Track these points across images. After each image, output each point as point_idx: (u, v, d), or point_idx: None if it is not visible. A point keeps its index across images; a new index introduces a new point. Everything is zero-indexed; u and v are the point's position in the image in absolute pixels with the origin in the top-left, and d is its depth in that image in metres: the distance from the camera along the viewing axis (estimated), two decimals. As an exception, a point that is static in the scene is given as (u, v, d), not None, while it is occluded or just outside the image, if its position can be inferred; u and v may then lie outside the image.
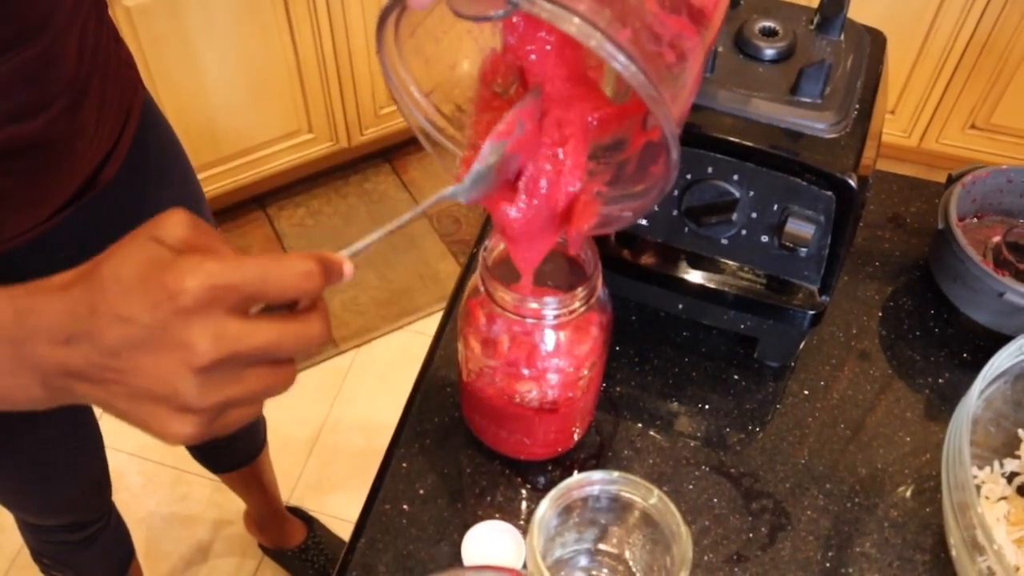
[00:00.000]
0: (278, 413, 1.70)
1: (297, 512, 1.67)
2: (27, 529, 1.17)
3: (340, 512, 1.74)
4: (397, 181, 2.36)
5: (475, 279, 0.66)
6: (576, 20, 0.42)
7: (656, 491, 0.60)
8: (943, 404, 0.82)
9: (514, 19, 0.53)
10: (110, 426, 1.81)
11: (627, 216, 0.57)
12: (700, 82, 0.53)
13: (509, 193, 0.57)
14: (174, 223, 0.42)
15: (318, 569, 1.63)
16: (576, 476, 0.61)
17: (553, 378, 0.67)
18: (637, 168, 0.55)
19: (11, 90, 0.67)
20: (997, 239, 0.88)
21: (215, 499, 1.77)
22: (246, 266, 0.41)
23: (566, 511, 0.63)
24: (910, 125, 2.21)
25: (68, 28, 0.71)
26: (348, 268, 0.45)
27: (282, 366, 0.44)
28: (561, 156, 0.56)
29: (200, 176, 1.05)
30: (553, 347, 0.66)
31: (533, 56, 0.55)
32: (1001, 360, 0.69)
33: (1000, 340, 0.75)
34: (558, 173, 0.56)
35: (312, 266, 0.42)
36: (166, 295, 0.39)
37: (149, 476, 1.81)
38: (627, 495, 0.62)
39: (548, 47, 0.53)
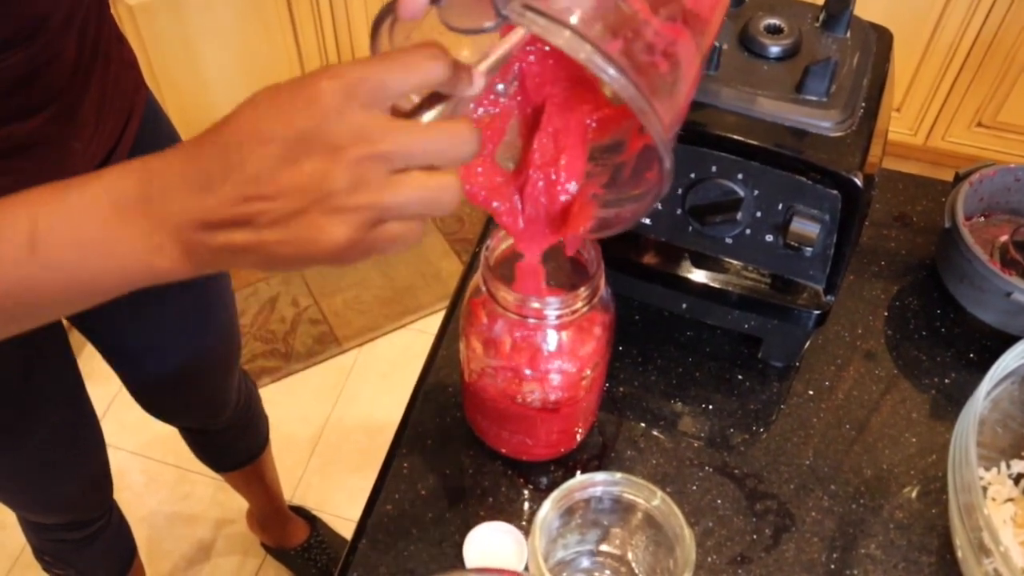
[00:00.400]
0: (280, 411, 1.70)
1: (300, 511, 1.67)
2: (29, 527, 1.17)
3: (343, 511, 1.74)
4: (400, 179, 2.36)
5: (477, 279, 0.66)
6: (567, 33, 0.42)
7: (659, 492, 0.60)
8: (949, 404, 0.81)
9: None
10: (112, 425, 1.82)
11: (623, 219, 0.56)
12: (696, 88, 0.53)
13: (506, 191, 0.57)
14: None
15: (321, 568, 1.62)
16: (578, 477, 0.61)
17: (556, 378, 0.67)
18: (633, 172, 0.55)
19: (9, 89, 0.67)
20: (1005, 238, 0.87)
21: (217, 498, 1.77)
22: (372, 59, 0.40)
23: (568, 512, 0.63)
24: (916, 123, 2.20)
25: (67, 27, 0.71)
26: (479, 77, 0.43)
27: (437, 174, 0.41)
28: (562, 162, 0.55)
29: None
30: (556, 347, 0.66)
31: (532, 58, 0.54)
32: (1008, 360, 0.68)
33: (1007, 340, 0.74)
34: (556, 174, 0.56)
35: (436, 49, 0.41)
36: (299, 104, 0.38)
37: (151, 475, 1.80)
38: (630, 496, 0.61)
39: (547, 48, 0.53)
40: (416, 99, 0.44)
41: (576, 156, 0.56)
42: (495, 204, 0.58)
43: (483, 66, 0.44)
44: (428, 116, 0.43)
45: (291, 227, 0.40)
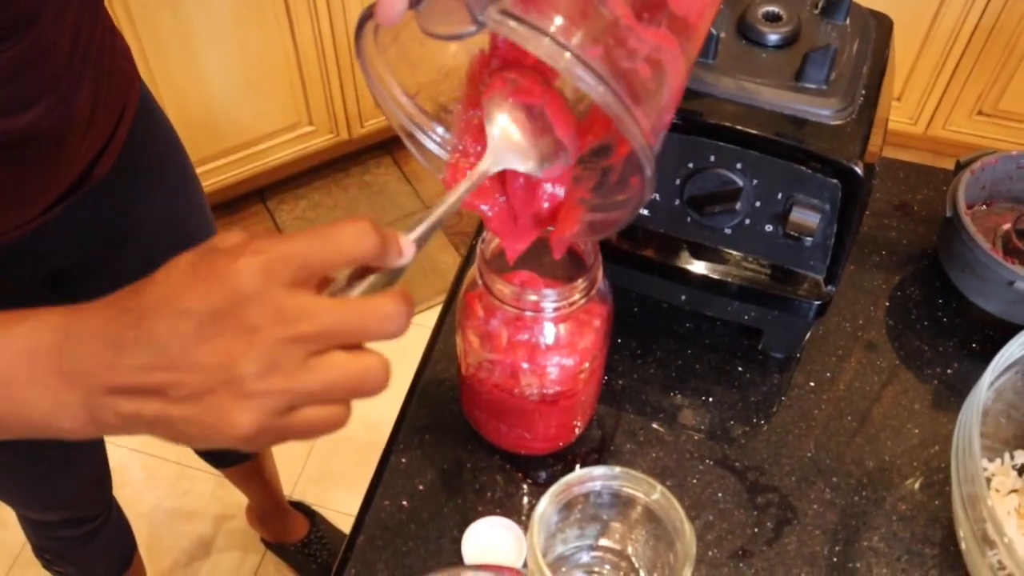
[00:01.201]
0: (280, 407, 1.69)
1: (299, 506, 1.66)
2: (28, 525, 1.17)
3: (343, 506, 1.73)
4: (399, 173, 2.35)
5: (473, 272, 0.65)
6: (545, 41, 0.41)
7: (659, 487, 0.59)
8: (952, 395, 0.81)
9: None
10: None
11: (609, 224, 0.55)
12: (683, 92, 0.52)
13: (491, 191, 0.56)
14: (226, 234, 0.40)
15: (321, 564, 1.62)
16: (577, 472, 0.60)
17: (553, 372, 0.66)
18: (620, 178, 0.54)
19: (3, 82, 0.66)
20: (1007, 226, 0.86)
21: (217, 494, 1.76)
22: (296, 236, 0.38)
23: (567, 507, 0.62)
24: (916, 111, 2.19)
25: (60, 20, 0.70)
26: (408, 248, 0.42)
27: (361, 355, 0.40)
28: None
29: (200, 170, 1.04)
30: (553, 340, 0.65)
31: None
32: (1012, 350, 0.67)
33: (1010, 329, 0.74)
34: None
35: (364, 224, 0.39)
36: (216, 279, 0.37)
37: (151, 471, 1.80)
38: (629, 491, 0.61)
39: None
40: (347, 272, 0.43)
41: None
42: (483, 207, 0.57)
43: (413, 236, 0.44)
44: (358, 290, 0.41)
45: (199, 406, 0.38)
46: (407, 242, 0.43)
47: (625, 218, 0.52)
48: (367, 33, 0.48)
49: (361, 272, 0.43)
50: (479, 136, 0.56)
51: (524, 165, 0.52)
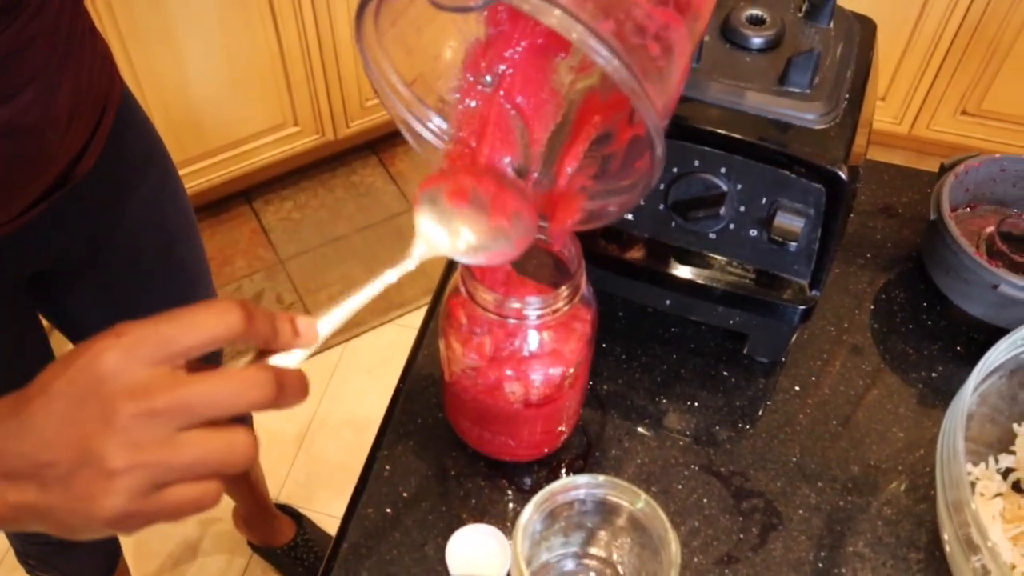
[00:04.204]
0: (265, 410, 1.68)
1: (286, 509, 1.66)
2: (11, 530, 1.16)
3: (330, 509, 1.73)
4: (384, 173, 2.34)
5: (455, 278, 0.65)
6: (557, 12, 0.40)
7: (643, 495, 0.59)
8: (936, 398, 0.81)
9: (499, 8, 0.52)
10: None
11: (611, 211, 0.55)
12: (687, 75, 0.52)
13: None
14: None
15: (307, 567, 1.61)
16: (561, 480, 0.59)
17: (537, 378, 0.66)
18: (623, 163, 0.54)
19: None
20: (990, 229, 0.86)
21: (203, 497, 1.75)
22: (160, 317, 0.39)
23: (551, 516, 0.62)
24: (901, 112, 2.20)
25: (42, 11, 0.70)
26: (308, 329, 0.43)
27: (226, 430, 0.40)
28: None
29: (184, 171, 1.03)
30: (537, 347, 0.65)
31: (520, 46, 0.53)
32: (996, 355, 0.67)
33: (994, 332, 0.74)
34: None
35: (227, 304, 0.40)
36: (81, 362, 0.38)
37: (136, 474, 1.79)
38: (613, 499, 0.60)
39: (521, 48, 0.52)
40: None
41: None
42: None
43: (323, 319, 0.44)
44: (241, 363, 0.41)
45: (69, 491, 0.39)
46: (308, 324, 0.43)
47: (632, 201, 0.52)
48: (367, 18, 0.48)
49: (262, 355, 0.43)
50: (475, 125, 0.55)
51: (454, 252, 0.52)
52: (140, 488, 0.38)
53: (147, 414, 0.38)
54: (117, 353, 0.38)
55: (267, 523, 1.60)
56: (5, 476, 0.40)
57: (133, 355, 0.38)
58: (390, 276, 0.49)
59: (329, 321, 0.45)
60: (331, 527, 1.68)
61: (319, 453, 1.82)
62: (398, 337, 1.99)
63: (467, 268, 0.62)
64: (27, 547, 1.18)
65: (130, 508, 0.39)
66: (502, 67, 0.54)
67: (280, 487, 1.76)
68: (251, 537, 1.65)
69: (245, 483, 1.47)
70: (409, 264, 0.50)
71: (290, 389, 0.42)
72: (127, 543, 1.37)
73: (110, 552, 1.30)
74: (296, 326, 0.43)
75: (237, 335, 0.40)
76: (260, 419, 1.43)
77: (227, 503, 1.59)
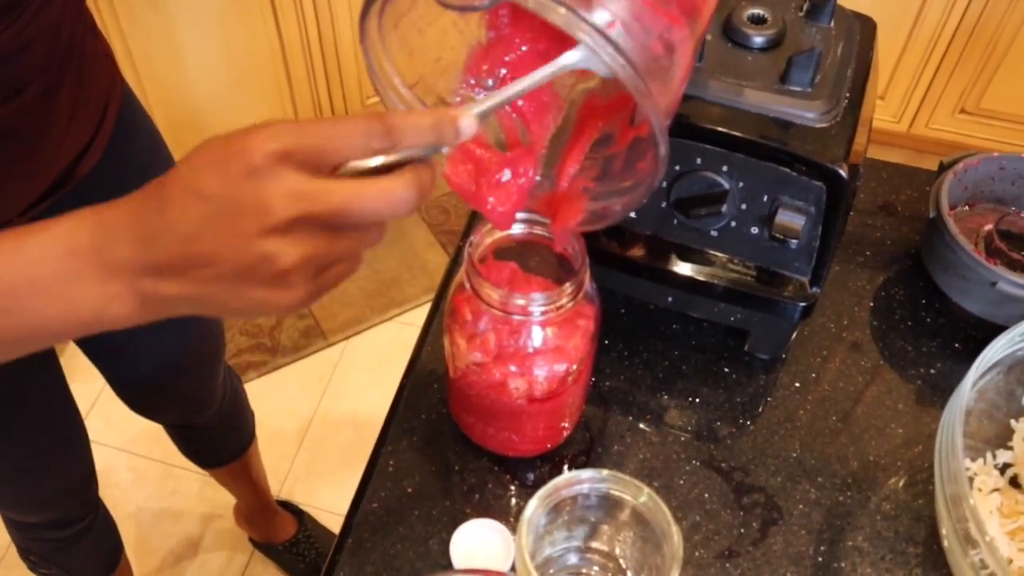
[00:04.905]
0: (267, 406, 1.69)
1: (287, 506, 1.66)
2: (13, 526, 1.16)
3: (331, 505, 1.73)
4: (385, 171, 2.34)
5: (460, 275, 0.65)
6: (562, 11, 0.41)
7: (646, 489, 0.59)
8: (935, 394, 0.81)
9: (500, 12, 0.52)
10: (97, 422, 1.80)
11: (615, 212, 0.56)
12: (690, 75, 0.52)
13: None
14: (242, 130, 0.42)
15: (309, 563, 1.62)
16: (565, 475, 0.60)
17: (541, 374, 0.66)
18: (625, 164, 0.54)
19: None
20: (989, 227, 0.87)
21: (205, 493, 1.76)
22: (311, 122, 0.40)
23: (555, 510, 0.62)
24: (900, 110, 2.20)
25: (42, 14, 0.70)
26: (467, 124, 0.44)
27: (371, 229, 0.43)
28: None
29: (184, 169, 1.03)
30: (541, 343, 0.65)
31: (524, 48, 0.53)
32: (994, 351, 0.68)
33: (992, 329, 0.74)
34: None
35: (378, 116, 0.42)
36: (234, 162, 0.39)
37: (138, 471, 1.79)
38: (617, 493, 0.61)
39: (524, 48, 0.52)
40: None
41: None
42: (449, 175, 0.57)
43: (477, 110, 0.44)
44: (374, 162, 0.42)
45: (241, 289, 0.41)
46: (468, 117, 0.44)
47: (635, 202, 0.53)
48: (371, 19, 0.48)
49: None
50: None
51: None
52: (308, 278, 0.42)
53: (305, 218, 0.39)
54: (272, 157, 0.39)
55: (268, 519, 1.61)
56: (156, 272, 0.41)
57: (289, 159, 0.39)
58: (543, 74, 0.47)
59: (482, 113, 0.45)
60: (332, 523, 1.68)
61: (320, 450, 1.82)
62: (399, 335, 2.00)
63: (472, 265, 0.63)
64: (29, 543, 1.19)
65: (305, 297, 0.42)
66: (503, 71, 0.55)
67: (281, 484, 1.77)
68: (252, 533, 1.66)
69: (246, 480, 1.48)
70: (559, 67, 0.47)
71: (428, 190, 0.43)
72: (128, 540, 1.37)
73: (112, 549, 1.31)
74: (458, 125, 0.44)
75: (384, 147, 0.42)
76: (261, 415, 1.44)
77: (228, 499, 1.60)
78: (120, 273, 0.42)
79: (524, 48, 0.53)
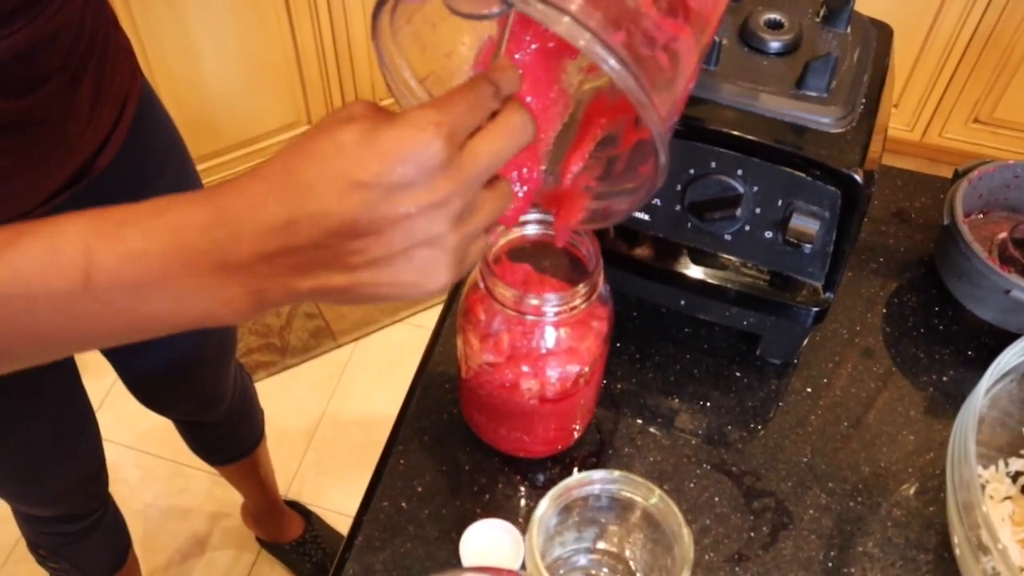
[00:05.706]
0: (276, 406, 1.70)
1: (295, 506, 1.67)
2: (23, 520, 1.17)
3: (338, 506, 1.74)
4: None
5: (474, 275, 0.65)
6: (566, 20, 0.41)
7: (657, 491, 0.59)
8: (947, 402, 0.81)
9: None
10: (107, 418, 1.81)
11: (617, 212, 0.56)
12: (693, 85, 0.52)
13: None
14: (355, 104, 0.41)
15: (315, 563, 1.62)
16: (576, 475, 0.60)
17: (553, 375, 0.66)
18: (627, 166, 0.54)
19: (7, 64, 0.67)
20: (1003, 235, 0.87)
21: (213, 492, 1.76)
22: (453, 100, 0.41)
23: (566, 510, 0.62)
24: (913, 119, 2.20)
25: (65, 8, 0.71)
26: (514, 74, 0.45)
27: (498, 183, 0.44)
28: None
29: (198, 167, 1.04)
30: (553, 344, 0.65)
31: (533, 46, 0.54)
32: (1008, 358, 0.68)
33: (1005, 337, 0.74)
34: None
35: (485, 77, 0.43)
36: (401, 149, 0.38)
37: (147, 468, 1.80)
38: (628, 494, 0.61)
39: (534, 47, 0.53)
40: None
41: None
42: None
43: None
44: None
45: (395, 271, 0.40)
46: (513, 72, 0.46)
47: (635, 204, 0.53)
48: (384, 14, 0.49)
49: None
50: None
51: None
52: (460, 258, 0.42)
53: (465, 189, 0.40)
54: (440, 143, 0.39)
55: (276, 519, 1.61)
56: (293, 271, 0.40)
57: (451, 139, 0.40)
58: None
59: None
60: (340, 524, 1.69)
61: (329, 451, 1.83)
62: (409, 336, 2.00)
63: (487, 265, 0.63)
64: (38, 537, 1.19)
65: (455, 276, 0.42)
66: None
67: (289, 484, 1.77)
68: (260, 533, 1.66)
69: (255, 479, 1.48)
70: None
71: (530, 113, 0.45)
72: (136, 536, 1.38)
73: (120, 545, 1.31)
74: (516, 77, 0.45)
75: (499, 101, 0.44)
76: (270, 415, 1.44)
77: (236, 498, 1.60)
78: (241, 273, 0.39)
79: (534, 46, 0.54)
